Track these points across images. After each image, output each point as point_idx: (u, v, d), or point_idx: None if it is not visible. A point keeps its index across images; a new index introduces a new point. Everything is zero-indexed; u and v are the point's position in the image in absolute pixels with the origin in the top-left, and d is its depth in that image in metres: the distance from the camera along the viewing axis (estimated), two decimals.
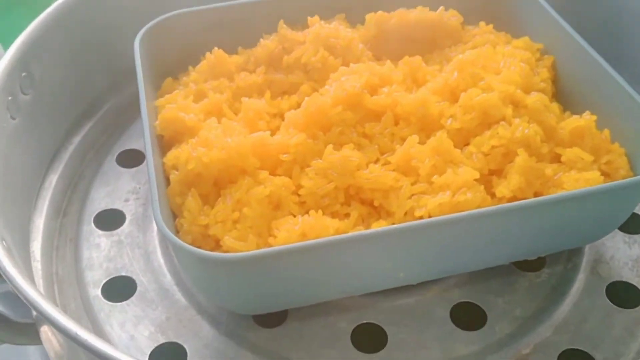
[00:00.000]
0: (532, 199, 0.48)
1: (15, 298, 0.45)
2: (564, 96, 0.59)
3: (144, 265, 0.57)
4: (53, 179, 0.63)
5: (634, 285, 0.55)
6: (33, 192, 0.61)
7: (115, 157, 0.66)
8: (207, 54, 0.61)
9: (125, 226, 0.60)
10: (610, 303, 0.53)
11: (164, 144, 0.55)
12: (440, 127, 0.54)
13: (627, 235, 0.58)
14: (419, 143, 0.52)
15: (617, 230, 0.58)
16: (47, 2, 0.63)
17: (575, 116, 0.54)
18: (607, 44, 0.60)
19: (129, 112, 0.68)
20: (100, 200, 0.62)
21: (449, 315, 0.53)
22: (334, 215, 0.51)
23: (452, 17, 0.63)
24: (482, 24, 0.63)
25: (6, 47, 0.59)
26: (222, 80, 0.60)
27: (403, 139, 0.53)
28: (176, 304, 0.54)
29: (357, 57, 0.60)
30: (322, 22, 0.62)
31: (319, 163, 0.51)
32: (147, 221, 0.60)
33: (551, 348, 0.51)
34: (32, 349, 0.62)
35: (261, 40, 0.62)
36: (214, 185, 0.52)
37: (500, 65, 0.57)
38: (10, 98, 0.57)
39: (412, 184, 0.50)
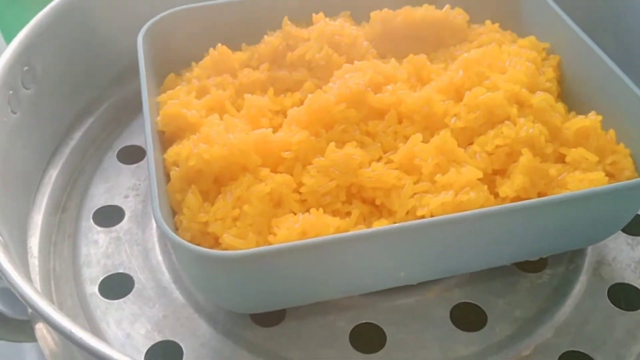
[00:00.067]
0: (536, 199, 0.47)
1: (11, 294, 0.45)
2: (570, 96, 0.58)
3: (142, 263, 0.56)
4: (53, 174, 0.63)
5: (636, 288, 0.54)
6: (32, 187, 0.61)
7: (116, 153, 0.66)
8: (211, 50, 0.60)
9: (124, 223, 0.60)
10: (612, 305, 0.53)
11: (166, 140, 0.55)
12: (444, 126, 0.53)
13: (631, 237, 0.58)
14: (423, 142, 0.51)
15: (620, 231, 0.57)
16: None
17: (580, 116, 0.54)
18: (613, 44, 0.60)
19: (131, 108, 0.67)
20: (99, 196, 0.62)
21: (449, 315, 0.52)
22: (335, 213, 0.50)
23: (457, 16, 0.62)
24: (488, 22, 0.63)
25: (9, 40, 0.59)
26: (225, 77, 0.59)
27: (406, 138, 0.53)
28: (173, 302, 0.54)
29: (361, 55, 0.60)
30: (327, 19, 0.61)
31: (321, 161, 0.51)
32: (146, 218, 0.60)
33: (552, 350, 0.50)
34: (27, 346, 0.62)
35: (265, 36, 0.61)
36: (215, 182, 0.51)
37: (506, 64, 0.56)
38: (11, 92, 0.57)
39: (415, 183, 0.50)
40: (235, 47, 0.62)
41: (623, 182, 0.48)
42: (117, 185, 0.63)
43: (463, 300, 0.53)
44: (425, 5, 0.62)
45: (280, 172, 0.51)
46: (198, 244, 0.47)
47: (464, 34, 0.62)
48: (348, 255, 0.46)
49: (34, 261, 0.56)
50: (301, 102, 0.56)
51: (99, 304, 0.54)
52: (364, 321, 0.52)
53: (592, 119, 0.53)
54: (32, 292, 0.43)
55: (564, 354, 0.50)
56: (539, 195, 0.50)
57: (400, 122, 0.54)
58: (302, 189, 0.51)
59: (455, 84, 0.55)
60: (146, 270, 0.56)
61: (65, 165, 0.64)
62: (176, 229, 0.50)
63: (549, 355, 0.50)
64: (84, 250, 0.58)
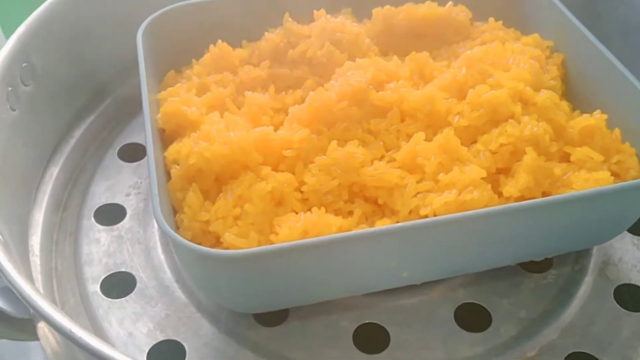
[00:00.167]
0: (540, 199, 0.47)
1: (14, 293, 0.44)
2: (574, 94, 0.58)
3: (144, 261, 0.56)
4: (54, 172, 0.62)
5: None
6: (33, 185, 0.60)
7: (117, 150, 0.65)
8: (211, 47, 0.60)
9: (126, 221, 0.59)
10: (618, 306, 0.53)
11: (166, 138, 0.54)
12: (447, 124, 0.53)
13: (636, 237, 0.57)
14: (425, 140, 0.51)
15: (626, 232, 0.57)
16: None
17: (585, 115, 0.54)
18: (618, 42, 0.59)
19: (132, 105, 0.67)
20: (100, 194, 0.61)
21: (453, 316, 0.52)
22: (337, 212, 0.50)
23: (460, 13, 0.62)
24: (491, 20, 0.62)
25: (9, 35, 0.58)
26: (225, 74, 0.59)
27: (409, 136, 0.52)
28: (176, 301, 0.53)
29: (363, 52, 0.59)
30: (329, 16, 0.61)
31: (323, 159, 0.51)
32: (147, 216, 0.59)
33: (557, 351, 0.50)
34: (32, 345, 0.61)
35: (266, 33, 0.61)
36: (216, 180, 0.51)
37: (510, 62, 0.56)
38: (10, 89, 0.57)
39: (418, 182, 0.50)
40: (236, 44, 0.61)
41: (629, 182, 0.48)
42: (118, 183, 0.62)
43: (467, 301, 0.53)
44: (428, 2, 0.62)
45: (282, 171, 0.51)
46: (199, 243, 0.47)
47: (467, 31, 0.62)
48: (350, 255, 0.46)
49: (36, 260, 0.56)
50: (302, 100, 0.55)
51: (101, 302, 0.54)
52: (367, 321, 0.52)
53: (597, 118, 0.52)
54: (31, 291, 0.43)
55: (569, 355, 0.50)
56: (544, 194, 0.49)
57: (402, 120, 0.53)
58: (303, 188, 0.50)
59: (458, 82, 0.54)
60: (148, 269, 0.56)
61: (66, 163, 0.63)
62: (177, 227, 0.50)
63: (554, 356, 0.49)
64: (86, 248, 0.57)
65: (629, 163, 0.51)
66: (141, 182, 0.62)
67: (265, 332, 0.51)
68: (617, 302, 0.53)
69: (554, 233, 0.50)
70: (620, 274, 0.55)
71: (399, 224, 0.46)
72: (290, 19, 0.60)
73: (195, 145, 0.50)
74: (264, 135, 0.51)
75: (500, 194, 0.50)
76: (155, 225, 0.58)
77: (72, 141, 0.65)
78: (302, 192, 0.50)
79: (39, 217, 0.59)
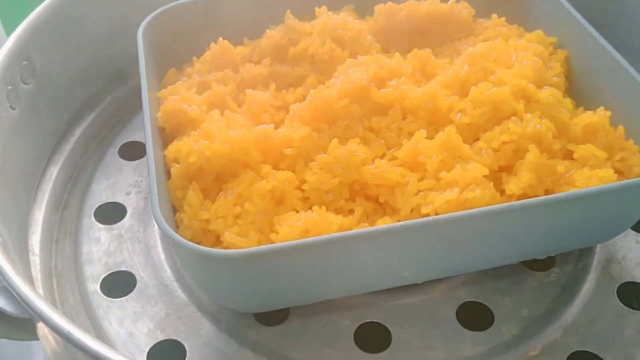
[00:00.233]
0: (543, 197, 0.47)
1: None
2: (578, 91, 0.57)
3: (144, 260, 0.56)
4: (54, 171, 0.62)
5: None
6: (33, 184, 0.60)
7: (117, 149, 0.65)
8: (212, 45, 0.60)
9: (126, 220, 0.59)
10: (622, 304, 0.52)
11: (166, 137, 0.54)
12: (449, 122, 0.52)
13: None
14: (427, 138, 0.51)
15: (629, 229, 0.57)
16: None
17: (588, 112, 0.53)
18: (622, 38, 0.58)
19: (132, 103, 0.67)
20: (101, 193, 0.61)
21: (454, 314, 0.51)
22: (338, 211, 0.50)
23: (463, 9, 0.61)
24: (494, 16, 0.62)
25: (11, 32, 0.58)
26: (226, 72, 0.58)
27: (410, 134, 0.52)
28: (176, 300, 0.53)
29: (365, 49, 0.59)
30: (330, 12, 0.61)
31: (324, 157, 0.50)
32: (148, 215, 0.59)
33: (560, 350, 0.49)
34: (34, 343, 0.61)
35: (267, 31, 0.61)
36: (216, 179, 0.51)
37: (512, 59, 0.55)
38: (10, 87, 0.56)
39: (419, 180, 0.49)
40: (237, 41, 0.61)
41: (632, 180, 0.47)
42: (118, 181, 0.62)
43: (469, 299, 0.52)
44: None
45: (282, 169, 0.51)
46: (199, 243, 0.47)
47: (470, 28, 0.62)
48: (351, 254, 0.46)
49: (35, 259, 0.55)
50: (303, 98, 0.55)
51: (101, 302, 0.53)
52: (368, 320, 0.51)
53: (600, 115, 0.52)
54: (30, 292, 0.43)
55: (572, 354, 0.49)
56: (546, 192, 0.49)
57: (404, 117, 0.53)
58: (304, 186, 0.50)
59: (460, 79, 0.54)
60: (148, 268, 0.55)
61: (66, 162, 0.63)
62: (177, 227, 0.49)
63: (557, 355, 0.49)
64: (86, 247, 0.57)
65: (632, 160, 0.51)
66: (142, 181, 0.62)
67: (266, 331, 0.51)
68: (620, 300, 0.52)
69: (557, 231, 0.49)
70: (624, 272, 0.54)
71: (400, 223, 0.46)
72: (291, 16, 0.60)
73: (195, 144, 0.50)
74: (265, 133, 0.51)
75: (502, 192, 0.49)
76: (156, 224, 0.58)
77: (73, 139, 0.64)
78: (302, 190, 0.50)
79: (39, 216, 0.59)
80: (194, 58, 0.60)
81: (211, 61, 0.59)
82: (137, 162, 0.64)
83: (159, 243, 0.57)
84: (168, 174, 0.51)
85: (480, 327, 0.51)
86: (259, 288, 0.47)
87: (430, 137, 0.51)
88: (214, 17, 0.62)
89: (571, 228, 0.49)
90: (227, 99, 0.56)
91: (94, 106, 0.67)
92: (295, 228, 0.47)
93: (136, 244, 0.57)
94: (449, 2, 0.61)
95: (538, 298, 0.52)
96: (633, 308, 0.52)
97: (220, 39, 0.60)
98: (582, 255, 0.55)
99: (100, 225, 0.59)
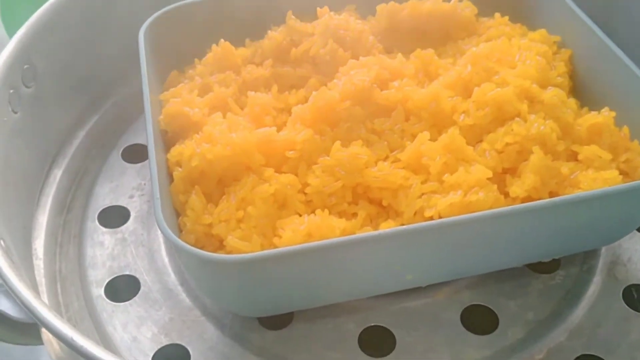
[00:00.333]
0: (547, 200, 0.46)
1: None
2: (582, 91, 0.57)
3: (147, 264, 0.56)
4: (57, 175, 0.62)
5: None
6: (36, 188, 0.60)
7: (120, 151, 0.65)
8: (214, 46, 0.59)
9: (130, 223, 0.59)
10: (627, 307, 0.52)
11: (169, 139, 0.54)
12: (453, 123, 0.52)
13: None
14: (430, 140, 0.50)
15: (635, 231, 0.56)
16: None
17: (593, 112, 0.53)
18: (626, 37, 0.58)
19: (135, 106, 0.65)
20: (104, 196, 0.61)
21: (459, 318, 0.51)
22: (341, 214, 0.49)
23: (466, 9, 0.61)
24: (497, 15, 0.62)
25: (13, 35, 0.58)
26: (228, 74, 0.58)
27: (413, 136, 0.52)
28: (180, 305, 0.53)
29: (367, 50, 0.59)
30: (332, 13, 0.60)
31: (326, 160, 0.50)
32: (151, 219, 0.59)
33: (565, 353, 0.49)
34: (41, 348, 0.61)
35: (269, 32, 0.60)
36: (218, 182, 0.51)
37: (516, 59, 0.55)
38: (12, 91, 0.56)
39: (422, 183, 0.49)
40: (238, 42, 0.61)
41: (637, 182, 0.47)
42: (122, 185, 0.62)
43: (474, 303, 0.52)
44: None
45: (285, 172, 0.50)
46: (202, 247, 0.47)
47: (473, 27, 0.61)
48: (354, 258, 0.45)
49: (39, 263, 0.55)
50: (306, 100, 0.55)
51: (105, 306, 0.53)
52: (372, 324, 0.51)
53: (605, 115, 0.52)
54: (33, 299, 0.43)
55: (577, 357, 0.49)
56: (551, 194, 0.49)
57: (407, 119, 0.53)
58: (307, 190, 0.50)
59: (463, 80, 0.54)
60: (152, 272, 0.55)
61: (70, 165, 0.63)
62: (180, 231, 0.49)
63: (562, 358, 0.49)
64: (90, 251, 0.57)
65: (637, 161, 0.50)
66: (145, 184, 0.62)
67: (270, 335, 0.51)
68: (626, 303, 0.52)
69: (562, 234, 0.49)
70: (629, 274, 0.54)
71: (403, 226, 0.46)
72: (293, 17, 0.60)
73: (197, 147, 0.50)
74: (267, 136, 0.51)
75: (506, 194, 0.49)
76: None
77: (75, 142, 0.64)
78: (305, 193, 0.50)
79: (42, 219, 0.59)
80: (196, 60, 0.60)
81: (213, 63, 0.59)
82: (140, 164, 0.64)
83: (162, 247, 0.57)
84: (171, 177, 0.51)
85: (484, 331, 0.51)
86: (262, 292, 0.47)
87: (433, 138, 0.51)
88: (215, 19, 0.61)
89: (576, 230, 0.49)
90: (229, 101, 0.56)
91: (96, 109, 0.67)
92: (298, 232, 0.46)
93: (140, 247, 0.57)
94: (452, 1, 0.61)
95: (543, 301, 0.52)
96: (638, 311, 0.52)
97: (222, 40, 0.59)
98: (587, 257, 0.55)
99: (104, 229, 0.59)
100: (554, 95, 0.52)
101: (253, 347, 0.50)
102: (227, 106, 0.55)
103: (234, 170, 0.50)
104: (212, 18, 0.61)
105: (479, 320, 0.51)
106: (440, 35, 0.61)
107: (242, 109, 0.56)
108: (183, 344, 0.51)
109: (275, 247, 0.47)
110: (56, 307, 0.53)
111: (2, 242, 0.48)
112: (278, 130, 0.52)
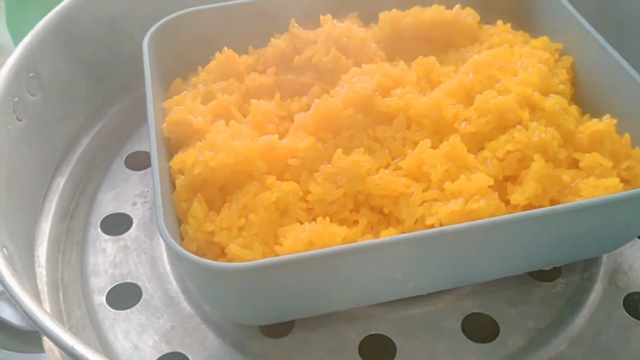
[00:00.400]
0: (548, 208, 0.46)
1: None
2: (584, 99, 0.57)
3: (149, 272, 0.56)
4: (61, 182, 0.62)
5: None
6: (40, 195, 0.60)
7: (123, 159, 0.65)
8: (217, 54, 0.60)
9: (132, 231, 0.59)
10: (628, 315, 0.52)
11: (172, 147, 0.54)
12: (454, 131, 0.52)
13: None
14: (432, 147, 0.50)
15: (636, 239, 0.56)
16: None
17: (594, 120, 0.53)
18: (628, 45, 0.58)
19: (139, 113, 0.66)
20: (107, 203, 0.61)
21: (460, 326, 0.51)
22: (342, 222, 0.50)
23: (468, 16, 0.61)
24: (499, 22, 0.62)
25: (18, 43, 0.58)
26: (231, 81, 0.58)
27: (415, 143, 0.52)
28: (181, 312, 0.53)
29: (369, 57, 0.59)
30: (335, 20, 0.60)
31: (328, 168, 0.50)
32: (153, 226, 0.59)
33: None
34: (42, 356, 0.62)
35: (272, 39, 0.60)
36: (221, 190, 0.51)
37: (518, 66, 0.55)
38: (16, 99, 0.56)
39: (424, 191, 0.49)
40: (242, 50, 0.61)
41: (639, 189, 0.47)
42: (125, 192, 0.62)
43: (475, 311, 0.52)
44: (435, 6, 0.61)
45: (287, 180, 0.51)
46: (204, 255, 0.47)
47: (475, 34, 0.61)
48: (355, 266, 0.45)
49: (42, 271, 0.56)
50: (308, 107, 0.55)
51: (107, 314, 0.53)
52: (373, 332, 0.51)
53: (606, 123, 0.51)
54: (34, 307, 0.43)
55: None
56: (552, 202, 0.49)
57: (409, 127, 0.53)
58: (308, 197, 0.50)
59: (465, 87, 0.54)
60: (154, 280, 0.55)
61: (73, 172, 0.63)
62: (182, 238, 0.49)
63: None
64: (92, 259, 0.57)
65: (639, 169, 0.50)
66: (148, 191, 0.62)
67: (271, 343, 0.51)
68: (627, 311, 0.52)
69: (563, 241, 0.49)
70: (630, 282, 0.54)
71: (404, 234, 0.46)
72: (296, 25, 0.60)
73: (200, 155, 0.50)
74: (269, 143, 0.51)
75: (507, 202, 0.49)
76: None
77: (79, 150, 0.65)
78: (307, 201, 0.50)
79: (45, 227, 0.59)
80: (199, 67, 0.60)
81: (216, 70, 0.59)
82: (143, 172, 0.64)
83: (164, 254, 0.57)
84: (173, 185, 0.51)
85: (485, 339, 0.50)
86: (263, 300, 0.47)
87: (435, 146, 0.51)
88: (219, 27, 0.62)
89: (577, 238, 0.49)
90: (232, 109, 0.56)
91: (100, 117, 0.67)
92: (299, 240, 0.46)
93: (142, 255, 0.57)
94: (454, 9, 0.61)
95: (544, 309, 0.52)
96: (639, 319, 0.51)
97: (225, 48, 0.60)
98: (589, 265, 0.55)
99: (107, 236, 0.59)
100: (555, 102, 0.52)
101: (254, 355, 0.50)
102: (230, 114, 0.56)
103: (236, 178, 0.50)
104: (215, 26, 0.62)
105: (479, 328, 0.51)
106: (443, 43, 0.61)
107: (245, 116, 0.56)
108: (184, 352, 0.51)
109: (277, 255, 0.47)
110: (58, 315, 0.53)
111: (5, 250, 0.48)
112: (280, 138, 0.52)
